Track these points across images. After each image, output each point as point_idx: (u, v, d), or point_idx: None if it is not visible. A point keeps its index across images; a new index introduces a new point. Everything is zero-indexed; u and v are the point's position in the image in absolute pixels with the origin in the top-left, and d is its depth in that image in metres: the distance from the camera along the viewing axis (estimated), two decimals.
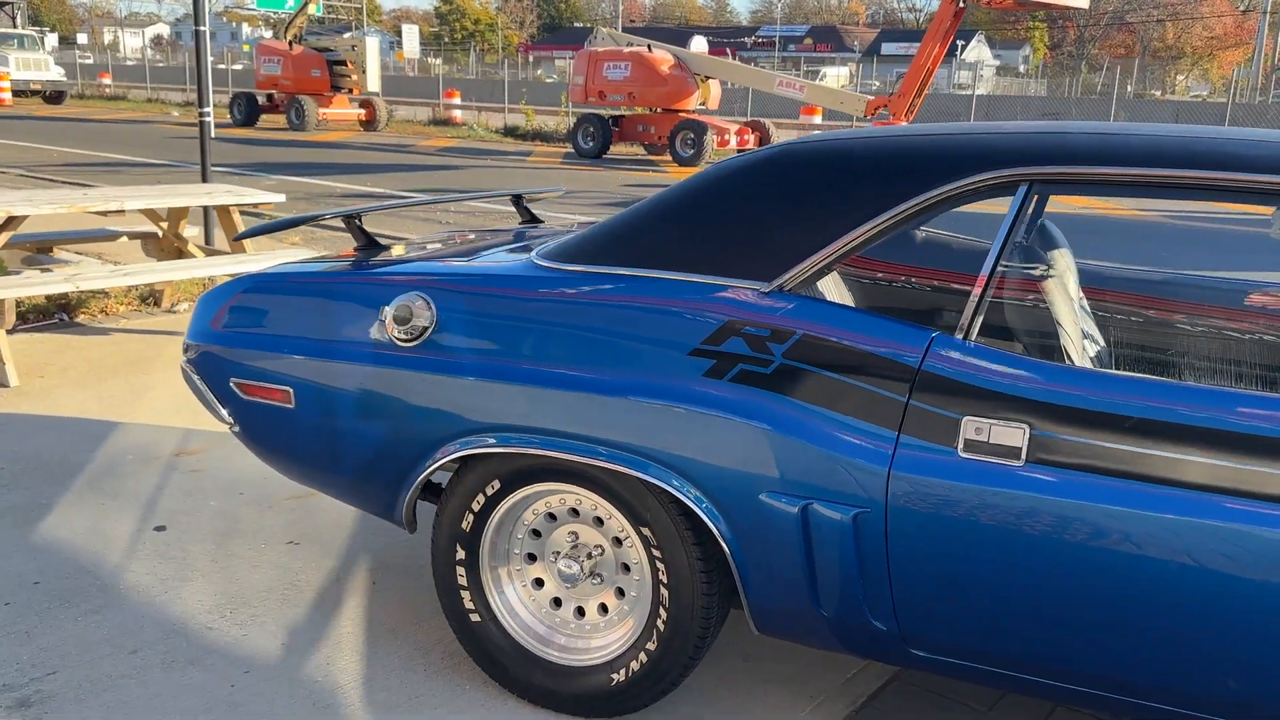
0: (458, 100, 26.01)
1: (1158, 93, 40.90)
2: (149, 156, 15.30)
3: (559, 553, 2.27)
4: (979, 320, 1.86)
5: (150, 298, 5.87)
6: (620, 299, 2.10)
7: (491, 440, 2.14)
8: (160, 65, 42.07)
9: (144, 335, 5.29)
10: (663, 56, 17.13)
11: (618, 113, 17.94)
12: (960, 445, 1.79)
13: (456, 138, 21.59)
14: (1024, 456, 1.75)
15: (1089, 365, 2.14)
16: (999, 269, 1.87)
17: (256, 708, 2.29)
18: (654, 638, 2.16)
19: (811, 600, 1.98)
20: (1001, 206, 1.93)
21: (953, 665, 1.94)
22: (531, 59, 54.30)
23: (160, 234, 5.78)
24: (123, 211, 5.04)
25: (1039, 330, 2.06)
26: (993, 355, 1.82)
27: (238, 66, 34.75)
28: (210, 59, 6.80)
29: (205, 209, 6.48)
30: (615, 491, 2.10)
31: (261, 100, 22.99)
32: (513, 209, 3.34)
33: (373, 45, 22.76)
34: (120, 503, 3.31)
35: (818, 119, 18.08)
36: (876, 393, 1.86)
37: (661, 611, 2.13)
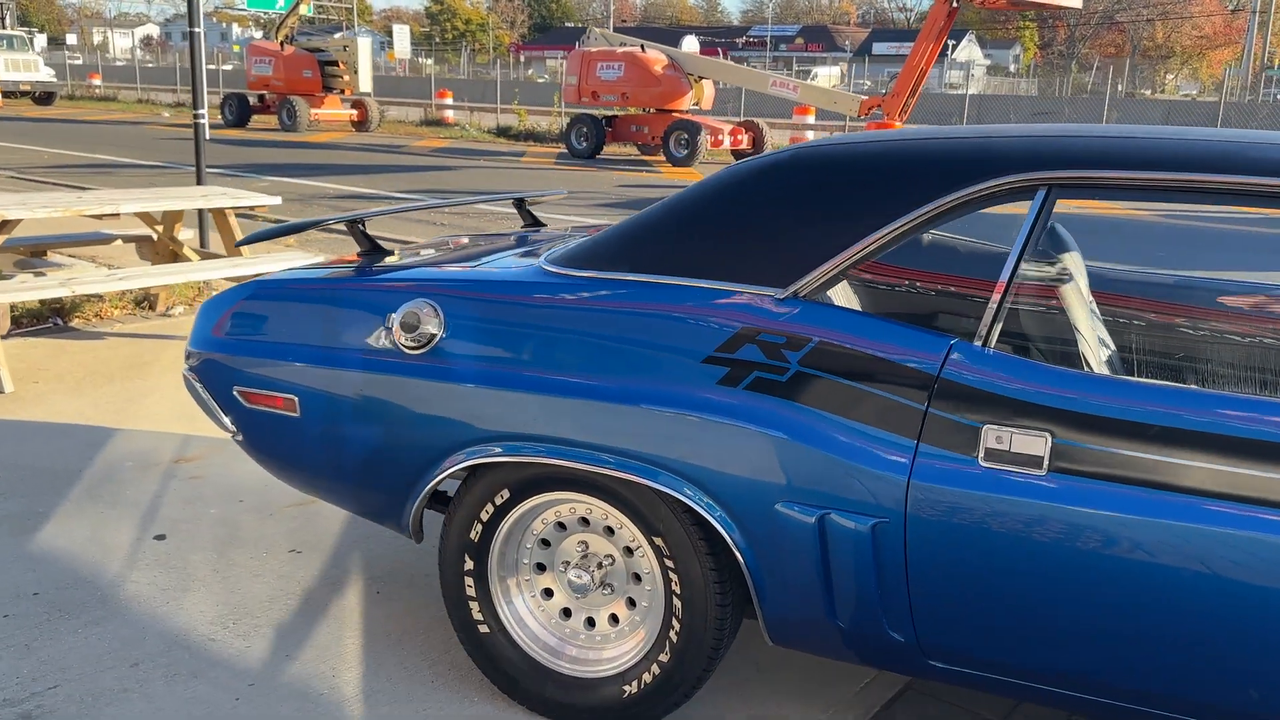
0: (450, 101, 25.96)
1: (1148, 92, 41.07)
2: (141, 158, 15.22)
3: (569, 563, 2.23)
4: (998, 327, 1.83)
5: (145, 302, 5.82)
6: (632, 305, 2.06)
7: (500, 449, 2.11)
8: (150, 66, 41.88)
9: (139, 340, 5.24)
10: (656, 57, 17.12)
11: (611, 113, 17.92)
12: (981, 454, 1.77)
13: (449, 138, 21.54)
14: (1046, 466, 1.73)
15: (1108, 372, 2.12)
16: (1018, 274, 1.85)
17: None
18: (666, 649, 2.12)
19: (828, 611, 1.95)
20: (1004, 209, 1.91)
21: (970, 676, 1.92)
22: (523, 59, 54.31)
23: (155, 237, 5.74)
24: (118, 215, 4.99)
25: (1059, 337, 2.03)
26: (1013, 362, 1.79)
27: (228, 67, 34.58)
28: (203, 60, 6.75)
29: (200, 212, 6.42)
30: (627, 501, 2.07)
31: (253, 101, 22.93)
32: (511, 211, 3.30)
33: (365, 45, 22.69)
34: (119, 511, 3.27)
35: (811, 119, 18.08)
36: (895, 401, 1.83)
37: (674, 622, 2.10)
